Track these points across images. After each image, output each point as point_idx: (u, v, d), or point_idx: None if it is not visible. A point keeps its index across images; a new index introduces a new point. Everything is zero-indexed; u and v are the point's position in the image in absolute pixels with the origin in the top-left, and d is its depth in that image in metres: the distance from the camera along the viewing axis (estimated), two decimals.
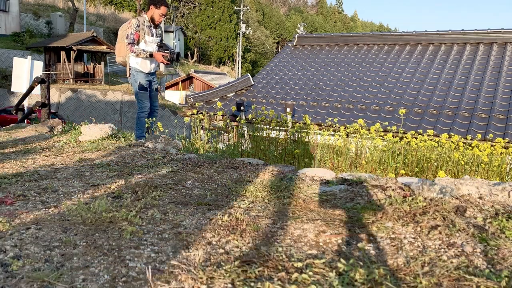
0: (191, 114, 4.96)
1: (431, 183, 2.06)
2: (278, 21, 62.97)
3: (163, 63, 4.77)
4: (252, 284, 1.21)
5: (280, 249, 1.47)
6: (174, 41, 38.15)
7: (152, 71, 4.90)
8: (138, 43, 4.67)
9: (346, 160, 3.90)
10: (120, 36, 4.86)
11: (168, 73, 32.68)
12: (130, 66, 4.80)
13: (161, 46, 4.85)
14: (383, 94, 9.31)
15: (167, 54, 4.72)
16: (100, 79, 26.24)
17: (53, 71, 25.06)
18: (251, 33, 50.45)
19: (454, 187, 2.03)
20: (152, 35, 4.75)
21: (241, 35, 45.72)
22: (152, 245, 1.50)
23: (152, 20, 4.75)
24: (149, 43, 4.73)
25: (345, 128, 4.38)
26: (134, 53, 4.62)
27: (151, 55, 4.69)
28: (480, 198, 1.95)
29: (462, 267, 1.30)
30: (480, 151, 3.78)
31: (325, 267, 1.32)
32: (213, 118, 6.29)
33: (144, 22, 4.69)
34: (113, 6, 43.12)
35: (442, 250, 1.45)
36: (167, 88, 31.13)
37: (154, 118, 4.77)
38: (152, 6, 4.71)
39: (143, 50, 4.64)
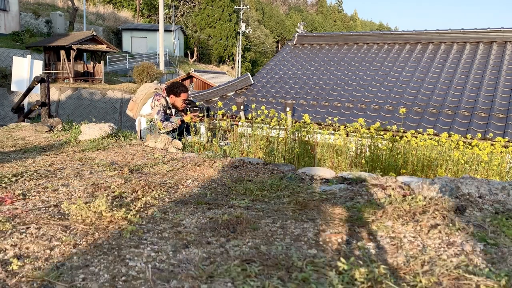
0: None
1: (431, 182, 2.06)
2: (278, 20, 62.92)
3: (196, 122, 4.66)
4: (252, 283, 1.21)
5: (280, 248, 1.47)
6: (174, 40, 38.11)
7: None
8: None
9: (346, 159, 3.90)
10: (136, 96, 4.72)
11: (168, 73, 32.62)
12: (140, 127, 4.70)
13: (189, 103, 4.71)
14: (383, 93, 9.31)
15: (197, 113, 4.57)
16: (100, 78, 26.21)
17: (53, 70, 25.04)
18: (251, 32, 50.43)
19: (454, 186, 2.03)
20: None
21: (241, 34, 45.69)
22: (152, 244, 1.50)
23: (174, 106, 4.66)
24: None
25: (345, 127, 4.37)
26: (166, 128, 4.49)
27: (182, 121, 4.58)
28: (480, 197, 1.95)
29: (461, 266, 1.30)
30: (480, 150, 3.78)
31: (325, 266, 1.32)
32: (213, 118, 6.27)
33: (168, 105, 4.61)
34: (112, 5, 43.10)
35: (442, 249, 1.45)
36: None
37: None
38: (172, 96, 4.60)
39: (171, 122, 4.53)
